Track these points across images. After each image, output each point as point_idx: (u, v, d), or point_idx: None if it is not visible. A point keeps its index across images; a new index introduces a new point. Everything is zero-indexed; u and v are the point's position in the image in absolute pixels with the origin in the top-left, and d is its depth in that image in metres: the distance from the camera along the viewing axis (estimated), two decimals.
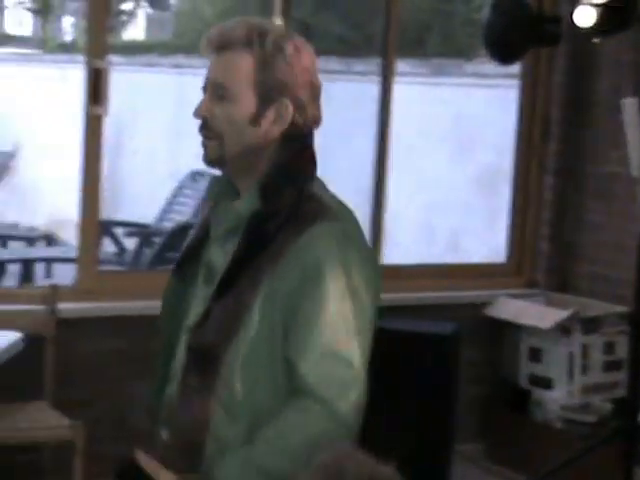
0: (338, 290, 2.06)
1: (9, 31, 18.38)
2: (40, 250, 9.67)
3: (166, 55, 13.36)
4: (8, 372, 4.13)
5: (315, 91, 2.21)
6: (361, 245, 2.18)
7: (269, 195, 2.11)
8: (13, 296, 5.13)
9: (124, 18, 17.43)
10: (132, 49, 14.50)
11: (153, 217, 9.16)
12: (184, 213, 8.81)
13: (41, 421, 4.44)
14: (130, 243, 8.85)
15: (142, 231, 9.03)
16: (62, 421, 4.31)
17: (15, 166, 11.44)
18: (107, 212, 6.35)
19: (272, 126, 2.12)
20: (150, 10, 18.37)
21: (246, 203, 2.11)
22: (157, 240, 8.66)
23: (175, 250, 7.65)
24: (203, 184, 8.44)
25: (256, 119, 2.12)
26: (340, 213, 2.16)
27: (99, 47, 4.73)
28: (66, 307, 4.62)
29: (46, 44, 16.96)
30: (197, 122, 2.29)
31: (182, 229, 8.24)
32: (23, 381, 4.46)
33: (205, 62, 2.53)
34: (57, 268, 8.49)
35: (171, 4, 18.88)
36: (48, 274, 8.61)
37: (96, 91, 4.66)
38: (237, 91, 2.14)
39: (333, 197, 2.21)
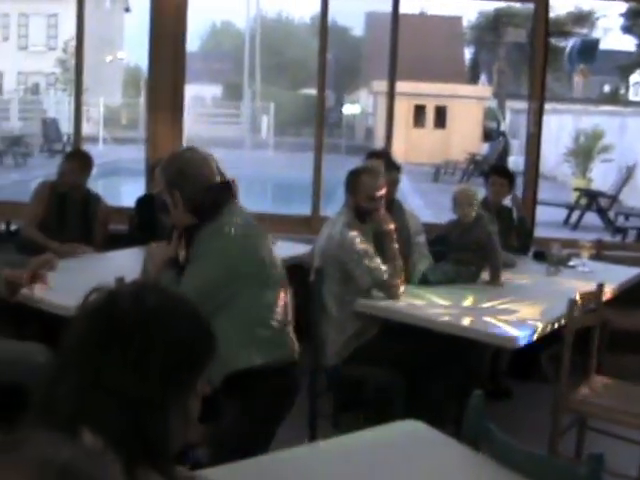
0: (201, 266, 2.97)
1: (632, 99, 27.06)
2: None
3: None
4: None
5: (194, 182, 2.96)
6: (229, 237, 2.96)
7: (197, 216, 3.00)
8: (633, 247, 6.83)
9: None
10: None
11: None
12: None
13: None
14: None
15: None
16: None
17: (636, 174, 13.35)
18: None
19: (179, 205, 2.98)
20: None
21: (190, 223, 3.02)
22: None
23: None
24: None
25: (175, 205, 3.01)
26: (224, 222, 2.98)
27: None
28: None
29: None
30: None
31: None
32: None
33: None
34: None
35: None
36: None
37: None
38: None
39: (235, 215, 3.03)
